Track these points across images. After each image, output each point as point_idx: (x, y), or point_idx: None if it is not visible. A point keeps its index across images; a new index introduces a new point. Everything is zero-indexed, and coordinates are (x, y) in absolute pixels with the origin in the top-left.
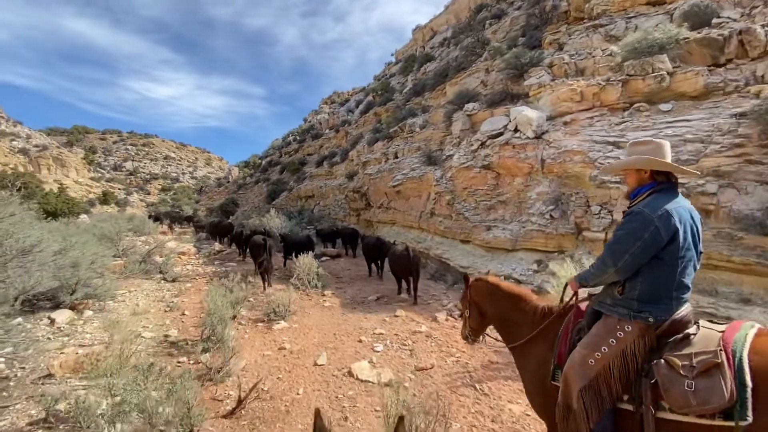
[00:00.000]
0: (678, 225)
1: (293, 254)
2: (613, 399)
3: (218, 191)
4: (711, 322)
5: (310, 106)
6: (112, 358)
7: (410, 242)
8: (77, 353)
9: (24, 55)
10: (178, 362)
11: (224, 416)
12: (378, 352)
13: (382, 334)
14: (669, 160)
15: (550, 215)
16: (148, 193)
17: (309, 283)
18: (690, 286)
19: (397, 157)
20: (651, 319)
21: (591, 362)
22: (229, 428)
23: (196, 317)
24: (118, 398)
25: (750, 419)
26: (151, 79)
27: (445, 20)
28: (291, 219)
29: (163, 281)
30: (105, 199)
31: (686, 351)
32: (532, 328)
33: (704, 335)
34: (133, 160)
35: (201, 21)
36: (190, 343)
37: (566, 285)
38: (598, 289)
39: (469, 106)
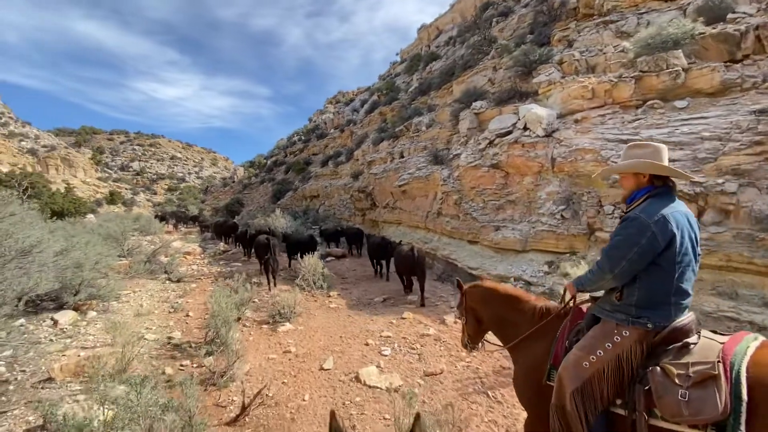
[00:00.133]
0: (675, 230)
1: (296, 254)
2: (605, 402)
3: (224, 191)
4: (714, 332)
5: (314, 106)
6: (113, 362)
7: (417, 242)
8: (79, 356)
9: (33, 56)
10: (181, 366)
11: (227, 423)
12: (385, 356)
13: (389, 337)
14: (667, 163)
15: (561, 215)
16: (155, 193)
17: (314, 283)
18: (690, 291)
19: (402, 157)
20: (650, 325)
21: (585, 365)
22: None
23: (201, 318)
24: (110, 413)
25: None
26: (158, 80)
27: (451, 19)
28: (296, 219)
29: (167, 281)
30: (112, 199)
31: (684, 360)
32: (530, 328)
33: (704, 345)
34: (139, 161)
35: (207, 22)
36: (193, 345)
37: (565, 289)
38: (601, 293)
39: (477, 104)
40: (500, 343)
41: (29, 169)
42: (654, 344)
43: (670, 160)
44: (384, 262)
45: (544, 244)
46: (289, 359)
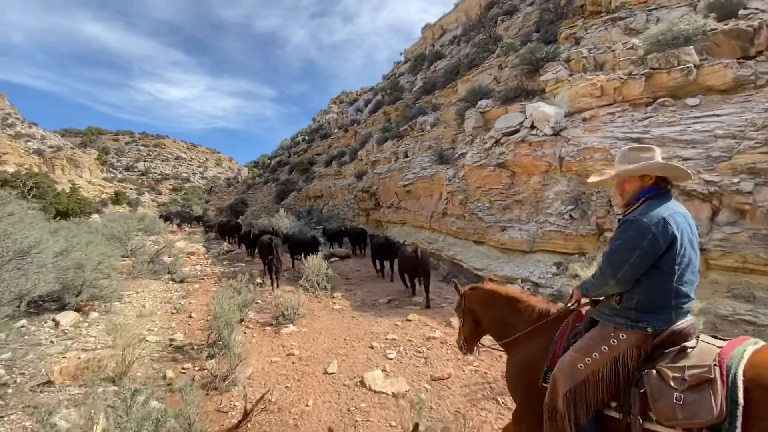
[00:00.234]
0: (676, 232)
1: (299, 255)
2: (598, 405)
3: (228, 191)
4: (714, 337)
5: (318, 106)
6: (113, 365)
7: (421, 243)
8: (79, 358)
9: (40, 57)
10: (183, 369)
11: (229, 430)
12: (391, 359)
13: (394, 339)
14: None
15: (570, 215)
16: (160, 193)
17: (318, 284)
18: (691, 295)
19: (407, 156)
20: (649, 329)
21: (580, 366)
22: None
23: (203, 320)
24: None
25: None
26: (163, 81)
27: (455, 18)
28: (300, 219)
29: (171, 282)
30: (117, 199)
31: (681, 363)
32: (528, 327)
33: (702, 349)
34: (144, 161)
35: (212, 23)
36: (195, 347)
37: (573, 292)
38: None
39: (483, 102)
40: (498, 348)
41: (35, 169)
42: (652, 348)
43: (684, 159)
44: (388, 263)
45: (552, 245)
46: (293, 362)
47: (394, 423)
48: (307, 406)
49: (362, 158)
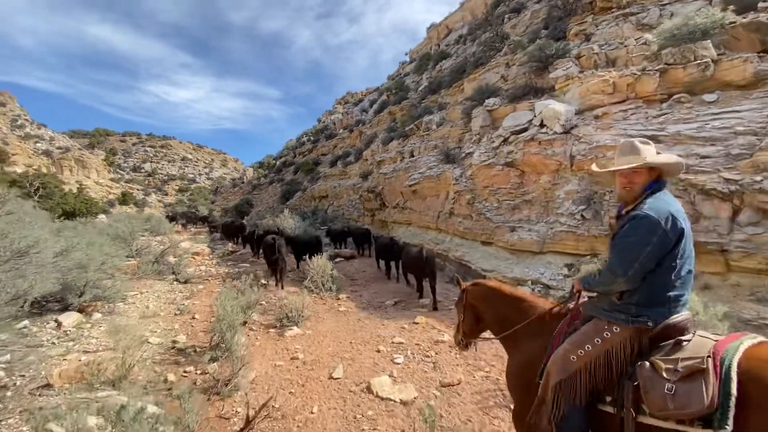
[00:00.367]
0: (684, 226)
1: (302, 255)
2: (588, 397)
3: (233, 191)
4: (714, 333)
5: (323, 107)
6: (113, 368)
7: (428, 243)
8: (80, 360)
9: (49, 60)
10: (185, 372)
11: None
12: (398, 364)
13: (401, 343)
14: None
15: (581, 215)
16: (166, 194)
17: (323, 285)
18: (689, 287)
19: (413, 156)
20: (650, 323)
21: (573, 358)
22: None
23: (206, 321)
24: None
25: (729, 428)
26: (170, 82)
27: (461, 17)
28: (305, 219)
29: (175, 282)
30: (124, 199)
31: (675, 356)
32: (530, 326)
33: (697, 342)
34: (151, 162)
35: (218, 25)
36: (198, 350)
37: (573, 286)
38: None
39: (490, 101)
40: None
41: (44, 170)
42: (647, 341)
43: (702, 157)
44: (393, 263)
45: (562, 246)
46: (297, 367)
47: None
48: (312, 413)
49: (367, 158)
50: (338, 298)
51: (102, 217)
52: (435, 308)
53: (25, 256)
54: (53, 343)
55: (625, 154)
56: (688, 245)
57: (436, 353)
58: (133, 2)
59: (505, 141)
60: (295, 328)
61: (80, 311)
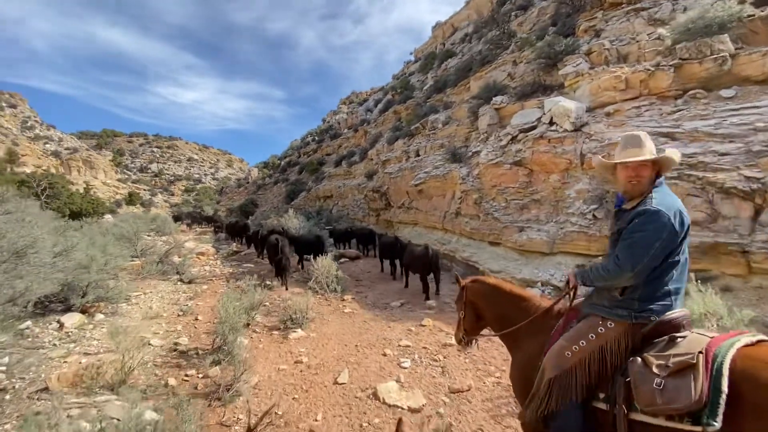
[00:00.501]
0: (689, 223)
1: (305, 256)
2: (583, 393)
3: (238, 192)
4: (711, 331)
5: (328, 107)
6: (113, 371)
7: (434, 244)
8: (80, 363)
9: (59, 63)
10: (186, 376)
11: None
12: (405, 368)
13: (408, 346)
14: None
15: (593, 215)
16: (172, 194)
17: (328, 286)
18: (685, 280)
19: (418, 155)
20: (653, 318)
21: (568, 354)
22: None
23: (209, 323)
24: None
25: (717, 425)
26: (177, 84)
27: (466, 16)
28: (309, 219)
29: (179, 282)
30: (131, 199)
31: (668, 352)
32: (530, 325)
33: (692, 339)
34: (158, 162)
35: (224, 27)
36: (200, 352)
37: (568, 280)
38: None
39: (497, 99)
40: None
41: (53, 170)
42: (641, 338)
43: (720, 154)
44: (398, 262)
45: (573, 246)
46: (301, 371)
47: None
48: (316, 420)
49: (372, 158)
50: (343, 299)
51: (108, 217)
52: (438, 293)
53: (23, 257)
54: (54, 345)
55: (631, 147)
56: (688, 239)
57: (444, 357)
58: (141, 5)
59: (514, 139)
60: (299, 330)
61: (83, 312)
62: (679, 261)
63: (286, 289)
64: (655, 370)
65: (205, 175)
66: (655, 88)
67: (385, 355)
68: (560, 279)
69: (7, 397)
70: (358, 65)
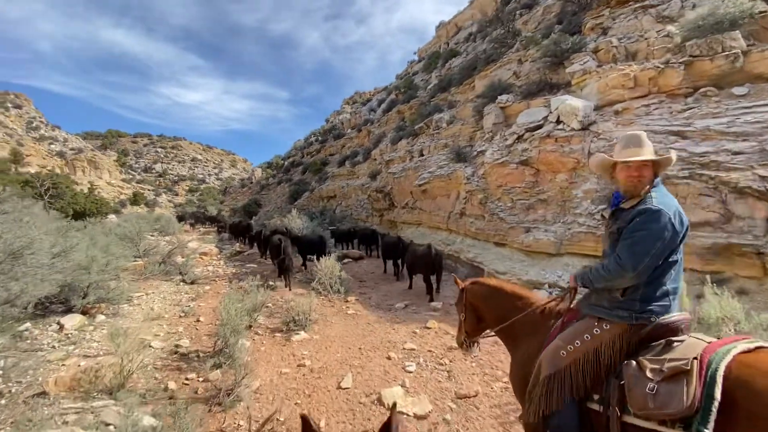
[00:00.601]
0: (687, 222)
1: (306, 255)
2: (578, 394)
3: (242, 192)
4: (716, 338)
5: (332, 107)
6: (111, 375)
7: (438, 244)
8: (79, 366)
9: (64, 64)
10: (186, 380)
11: None
12: (410, 372)
13: (413, 349)
14: None
15: (602, 215)
16: (176, 194)
17: (331, 287)
18: (681, 281)
19: (422, 155)
20: (653, 319)
21: (563, 354)
22: None
23: (211, 324)
24: None
25: None
26: (181, 85)
27: (470, 15)
28: (313, 219)
29: (182, 283)
30: (135, 199)
31: (663, 356)
32: (531, 326)
33: (689, 344)
34: (162, 162)
35: (228, 28)
36: (201, 355)
37: (569, 282)
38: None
39: (503, 97)
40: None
41: (57, 170)
42: (638, 340)
43: (733, 153)
44: (400, 262)
45: (581, 247)
46: (304, 375)
47: None
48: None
49: (376, 158)
50: (347, 301)
51: (112, 217)
52: (437, 290)
53: (20, 258)
54: (53, 347)
55: (633, 147)
56: (685, 239)
57: (450, 361)
58: (146, 7)
59: (519, 138)
60: (302, 332)
61: (84, 313)
62: (677, 261)
63: (289, 289)
64: (648, 374)
65: (209, 175)
66: (665, 86)
67: (389, 358)
68: (568, 281)
69: (3, 401)
70: (361, 65)
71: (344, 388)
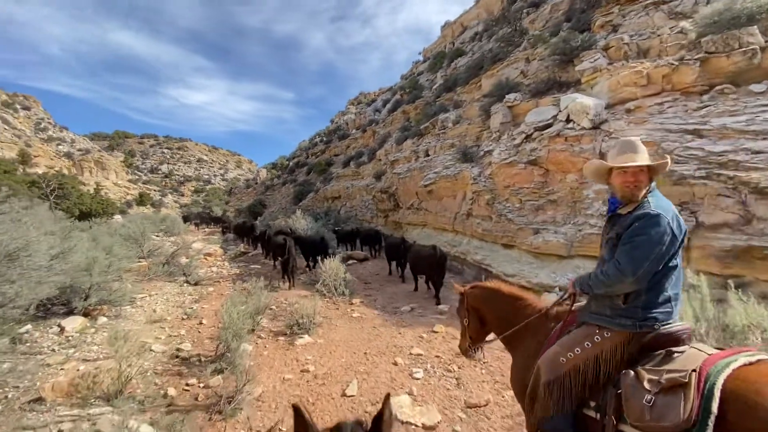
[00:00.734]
0: (685, 227)
1: (308, 255)
2: (577, 400)
3: (247, 192)
4: (719, 349)
5: (336, 108)
6: (109, 381)
7: (444, 245)
8: (78, 370)
9: (73, 66)
10: (187, 385)
11: None
12: (418, 379)
13: (420, 355)
14: None
15: None
16: (182, 195)
17: (336, 289)
18: (681, 287)
19: (428, 155)
20: (656, 326)
21: (562, 360)
22: None
23: (214, 327)
24: None
25: None
26: (187, 86)
27: (476, 15)
28: (317, 220)
29: (185, 284)
30: (141, 200)
31: (663, 367)
32: (529, 328)
33: (689, 355)
34: (168, 163)
35: (233, 29)
36: (203, 359)
37: (567, 288)
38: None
39: (510, 96)
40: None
41: (65, 171)
42: (638, 349)
43: (753, 152)
44: (403, 263)
45: (592, 249)
46: (307, 381)
47: None
48: None
49: (381, 158)
50: (351, 303)
51: (117, 217)
52: (438, 303)
53: (15, 260)
54: (53, 350)
55: (628, 152)
56: (684, 244)
57: (459, 367)
58: (152, 9)
59: (528, 138)
60: (305, 336)
61: (85, 315)
62: (676, 266)
63: (293, 285)
64: (646, 385)
65: (215, 175)
66: (679, 83)
67: (395, 364)
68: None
69: None
70: (366, 66)
71: (349, 396)
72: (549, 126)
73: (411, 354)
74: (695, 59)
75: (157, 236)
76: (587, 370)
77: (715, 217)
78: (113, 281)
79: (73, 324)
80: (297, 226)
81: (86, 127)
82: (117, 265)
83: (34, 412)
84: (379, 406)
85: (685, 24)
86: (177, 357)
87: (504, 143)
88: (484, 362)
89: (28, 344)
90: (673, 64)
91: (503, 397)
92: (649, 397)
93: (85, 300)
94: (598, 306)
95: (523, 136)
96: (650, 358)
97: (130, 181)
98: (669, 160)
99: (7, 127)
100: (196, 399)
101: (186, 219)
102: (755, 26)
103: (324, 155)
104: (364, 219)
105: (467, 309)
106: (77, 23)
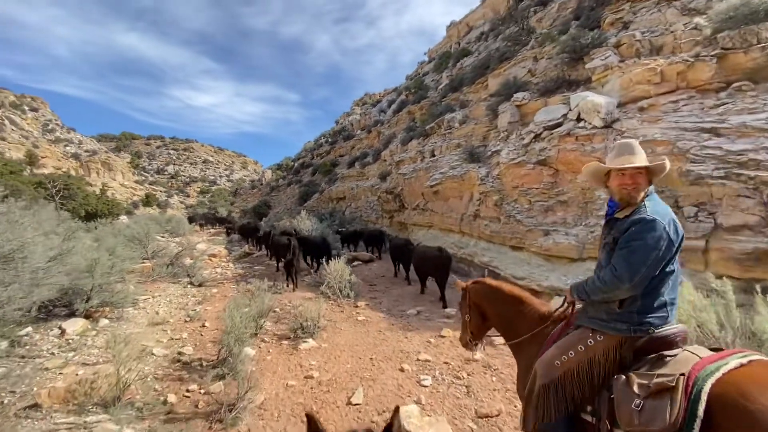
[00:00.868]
0: (682, 232)
1: (310, 256)
2: (573, 404)
3: (252, 193)
4: (716, 350)
5: (341, 109)
6: (107, 387)
7: (450, 247)
8: (77, 374)
9: (81, 68)
10: (187, 391)
11: None
12: (426, 386)
13: (428, 361)
14: None
15: None
16: (188, 196)
17: (341, 292)
18: (678, 292)
19: (434, 155)
20: (651, 331)
21: (557, 363)
22: None
23: (216, 330)
24: None
25: None
26: (193, 88)
27: (482, 14)
28: (322, 221)
29: (189, 285)
30: (148, 201)
31: (653, 371)
32: (530, 331)
33: (681, 358)
34: (174, 164)
35: (240, 31)
36: (204, 364)
37: (564, 297)
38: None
39: (519, 95)
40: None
41: (72, 172)
42: (632, 353)
43: None
44: (410, 266)
45: None
46: (311, 387)
47: None
48: None
49: (386, 159)
50: (356, 306)
51: (123, 218)
52: (444, 306)
53: (10, 262)
54: (52, 354)
55: (627, 154)
56: (680, 249)
57: (469, 374)
58: (159, 11)
59: (537, 137)
60: (310, 340)
61: (87, 317)
62: (673, 271)
63: (294, 290)
64: (636, 389)
65: (220, 176)
66: (694, 80)
67: (402, 370)
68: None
69: None
70: (371, 67)
71: (355, 404)
72: (559, 125)
73: (418, 360)
74: (711, 55)
75: (162, 237)
76: (581, 374)
77: (735, 218)
78: (116, 282)
79: (74, 326)
80: (302, 226)
81: (93, 128)
82: (120, 267)
83: (30, 419)
84: (386, 415)
85: (699, 20)
86: (178, 361)
87: (512, 143)
88: (494, 369)
89: (27, 347)
90: (688, 60)
91: (515, 406)
92: (638, 402)
93: (86, 302)
94: (594, 310)
95: (532, 135)
96: (643, 362)
97: (136, 182)
98: (667, 162)
99: (15, 128)
100: (197, 406)
101: (191, 220)
102: None
103: (329, 156)
104: (369, 220)
105: (469, 305)
106: (85, 25)
